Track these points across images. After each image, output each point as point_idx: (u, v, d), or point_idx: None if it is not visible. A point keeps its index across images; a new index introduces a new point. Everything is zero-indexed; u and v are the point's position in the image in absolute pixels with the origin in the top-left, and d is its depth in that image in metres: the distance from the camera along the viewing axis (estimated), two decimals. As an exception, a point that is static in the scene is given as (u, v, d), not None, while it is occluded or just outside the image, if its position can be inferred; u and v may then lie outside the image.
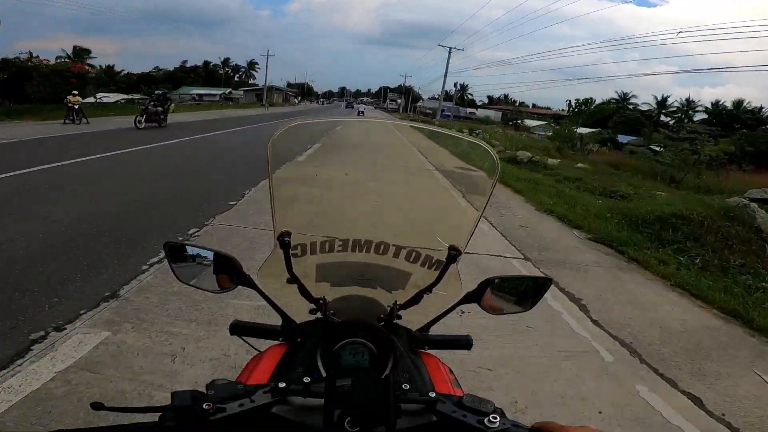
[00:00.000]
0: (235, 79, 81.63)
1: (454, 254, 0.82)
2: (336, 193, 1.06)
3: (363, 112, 40.25)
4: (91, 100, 57.53)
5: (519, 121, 53.52)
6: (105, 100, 55.83)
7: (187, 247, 0.87)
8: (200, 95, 67.51)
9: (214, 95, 67.07)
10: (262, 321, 0.89)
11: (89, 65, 57.20)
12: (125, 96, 59.50)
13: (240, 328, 0.88)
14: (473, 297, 0.84)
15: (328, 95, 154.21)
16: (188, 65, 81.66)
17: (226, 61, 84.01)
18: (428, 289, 0.85)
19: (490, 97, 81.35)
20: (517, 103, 79.84)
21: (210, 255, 0.84)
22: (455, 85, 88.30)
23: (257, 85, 69.21)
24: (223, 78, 79.78)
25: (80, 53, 56.99)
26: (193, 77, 79.82)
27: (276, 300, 0.84)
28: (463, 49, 34.07)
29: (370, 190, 1.05)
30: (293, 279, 0.83)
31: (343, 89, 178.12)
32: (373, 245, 0.90)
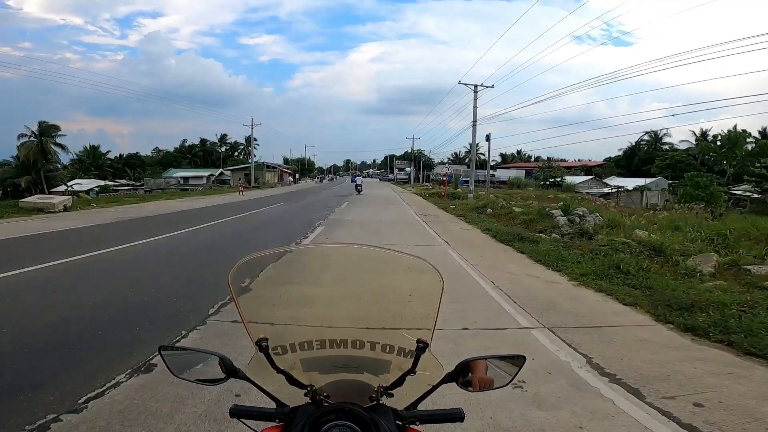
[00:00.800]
0: (234, 156, 76.45)
1: (422, 346, 0.89)
2: (305, 295, 1.11)
3: (360, 187, 35.69)
4: (60, 188, 46.95)
5: (559, 179, 43.38)
6: (77, 187, 46.58)
7: (180, 348, 1.00)
8: (185, 178, 59.76)
9: (201, 177, 59.21)
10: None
11: (58, 144, 48.51)
12: (101, 182, 51.46)
13: (239, 412, 0.94)
14: (452, 377, 0.93)
15: (333, 170, 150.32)
16: (187, 144, 77.23)
17: (223, 138, 78.67)
18: (410, 371, 0.91)
19: (503, 155, 74.85)
20: (533, 158, 72.03)
21: (202, 354, 0.94)
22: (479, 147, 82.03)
23: (260, 163, 61.44)
24: (222, 156, 74.41)
25: (46, 131, 47.41)
26: (189, 157, 74.27)
27: (268, 387, 0.92)
28: (492, 86, 24.50)
29: (340, 291, 1.09)
30: (280, 372, 0.91)
31: (347, 162, 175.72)
32: (349, 342, 0.97)
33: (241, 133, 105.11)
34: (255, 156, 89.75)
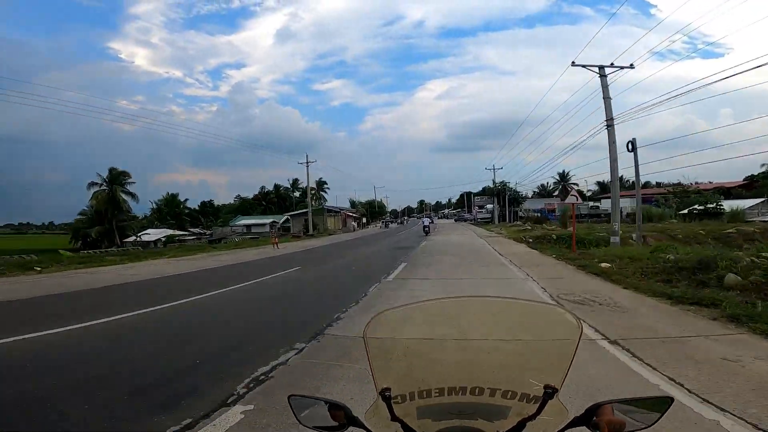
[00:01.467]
0: (305, 201, 73.58)
1: (551, 392, 0.87)
2: (427, 345, 1.10)
3: (428, 228, 33.47)
4: (131, 239, 44.08)
5: (713, 205, 30.20)
6: (145, 237, 44.15)
7: (307, 396, 1.03)
8: (248, 226, 56.44)
9: (264, 225, 55.25)
10: None
11: (128, 193, 47.44)
12: (170, 232, 49.26)
13: None
14: (581, 421, 0.87)
15: (405, 212, 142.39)
16: (265, 190, 76.96)
17: (295, 183, 76.69)
18: (531, 417, 0.88)
19: (600, 183, 62.04)
20: (654, 182, 58.19)
21: (324, 402, 0.98)
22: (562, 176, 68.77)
23: (320, 208, 56.20)
24: (294, 201, 71.93)
25: (116, 178, 46.21)
26: (265, 204, 73.06)
27: None
28: (632, 66, 14.11)
29: (464, 341, 1.09)
30: (396, 420, 0.93)
31: (421, 203, 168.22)
32: (468, 389, 0.97)
33: (314, 176, 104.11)
34: (325, 200, 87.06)
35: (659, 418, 0.86)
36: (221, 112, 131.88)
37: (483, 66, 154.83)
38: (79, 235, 46.82)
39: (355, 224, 64.34)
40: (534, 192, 62.65)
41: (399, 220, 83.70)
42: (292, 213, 53.36)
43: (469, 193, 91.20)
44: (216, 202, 76.67)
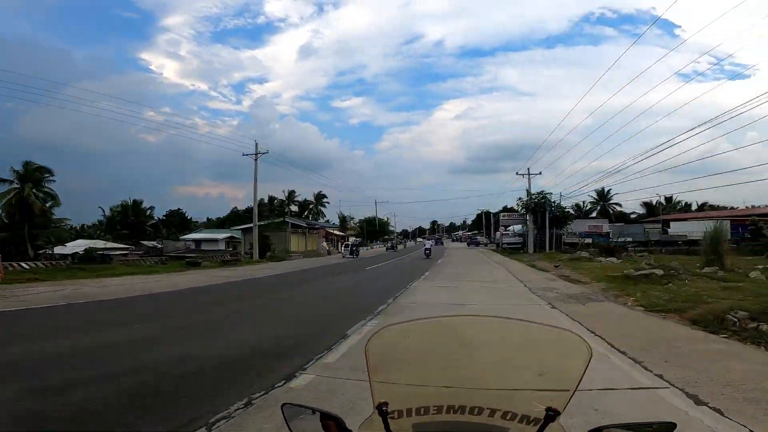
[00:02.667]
0: (303, 215, 63.76)
1: (552, 415, 0.85)
2: (428, 362, 1.10)
3: (429, 251, 31.07)
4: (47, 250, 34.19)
5: None
6: (61, 250, 34.96)
7: (302, 406, 0.99)
8: (198, 241, 42.31)
9: (217, 240, 41.23)
10: None
11: (46, 193, 35.31)
12: (89, 242, 36.44)
13: None
14: None
15: (416, 233, 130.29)
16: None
17: (291, 195, 64.89)
18: None
19: (647, 204, 53.81)
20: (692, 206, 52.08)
21: (317, 413, 0.94)
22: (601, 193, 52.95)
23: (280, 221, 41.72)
24: (289, 214, 60.54)
25: (30, 175, 33.70)
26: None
27: None
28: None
29: (468, 360, 1.07)
30: None
31: (434, 224, 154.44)
32: (467, 408, 0.94)
33: (336, 196, 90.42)
34: (323, 215, 74.69)
35: None
36: (243, 126, 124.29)
37: (501, 86, 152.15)
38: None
39: (326, 245, 48.57)
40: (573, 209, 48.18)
41: (390, 243, 58.84)
42: (243, 227, 38.62)
43: (486, 213, 75.82)
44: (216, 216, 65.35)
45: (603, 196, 54.54)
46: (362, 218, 77.19)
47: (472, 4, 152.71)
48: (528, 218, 34.72)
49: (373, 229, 73.98)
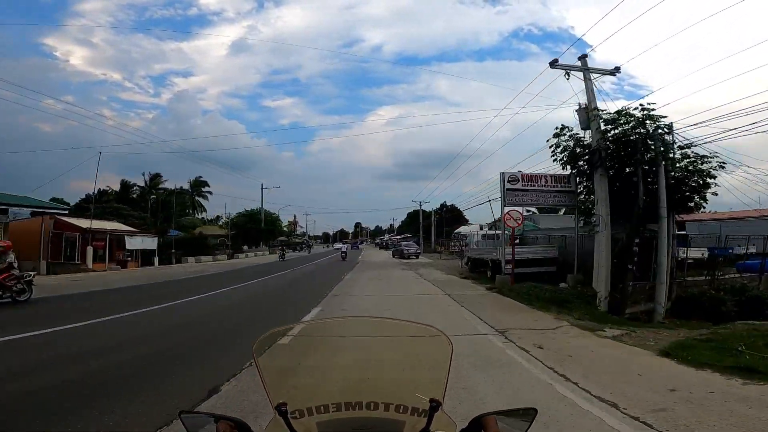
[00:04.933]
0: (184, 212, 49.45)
1: (435, 405, 0.91)
2: (320, 362, 1.17)
3: (345, 254, 31.38)
4: None
5: None
6: None
7: (201, 413, 0.97)
8: None
9: None
10: None
11: None
12: None
13: None
14: None
15: (338, 236, 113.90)
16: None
17: (154, 179, 48.32)
18: (424, 430, 0.92)
19: None
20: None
21: (216, 419, 0.90)
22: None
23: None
24: (160, 204, 45.48)
25: None
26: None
27: None
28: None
29: (355, 358, 1.15)
30: None
31: (357, 226, 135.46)
32: (364, 404, 1.00)
33: (257, 197, 71.29)
34: (203, 208, 49.11)
35: (528, 428, 0.92)
36: (159, 119, 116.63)
37: (433, 96, 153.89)
38: None
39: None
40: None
41: (281, 250, 37.53)
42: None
43: (424, 212, 54.17)
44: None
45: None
46: (245, 210, 50.92)
47: (413, 12, 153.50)
48: (597, 184, 12.09)
49: (256, 227, 47.70)
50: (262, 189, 50.08)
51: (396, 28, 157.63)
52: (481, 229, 36.90)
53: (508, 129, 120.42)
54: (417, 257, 35.30)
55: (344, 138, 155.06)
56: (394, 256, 37.39)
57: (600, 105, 11.88)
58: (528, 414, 0.93)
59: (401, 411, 0.99)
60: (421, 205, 53.43)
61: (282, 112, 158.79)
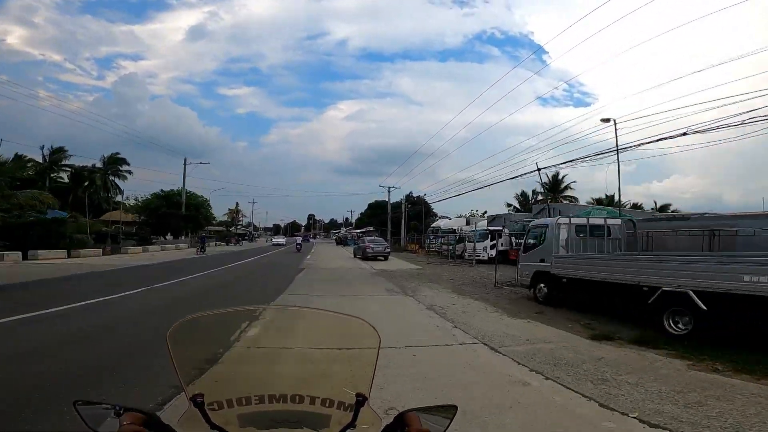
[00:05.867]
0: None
1: (361, 400, 0.90)
2: (241, 352, 1.12)
3: (300, 246, 32.98)
4: None
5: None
6: None
7: (97, 402, 0.86)
8: None
9: None
10: None
11: None
12: None
13: None
14: (390, 430, 0.89)
15: (290, 228, 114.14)
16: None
17: (56, 154, 37.91)
18: (350, 425, 0.90)
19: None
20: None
21: (117, 409, 0.83)
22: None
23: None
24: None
25: None
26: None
27: None
28: None
29: (281, 349, 1.08)
30: (216, 428, 0.87)
31: (311, 218, 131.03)
32: (288, 397, 0.95)
33: (207, 186, 71.01)
34: (119, 189, 38.28)
35: (449, 425, 0.91)
36: (101, 102, 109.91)
37: (395, 93, 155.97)
38: None
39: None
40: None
41: (201, 244, 30.50)
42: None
43: (389, 204, 45.62)
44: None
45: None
46: (161, 191, 39.60)
47: (381, 9, 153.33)
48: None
49: (174, 212, 36.74)
50: (185, 164, 39.19)
51: (362, 23, 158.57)
52: (468, 223, 29.23)
53: (466, 130, 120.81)
54: (386, 258, 27.22)
55: (303, 130, 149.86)
56: (356, 256, 28.87)
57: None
58: (449, 411, 0.93)
59: (327, 405, 0.95)
60: (390, 191, 44.60)
61: (239, 101, 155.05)
